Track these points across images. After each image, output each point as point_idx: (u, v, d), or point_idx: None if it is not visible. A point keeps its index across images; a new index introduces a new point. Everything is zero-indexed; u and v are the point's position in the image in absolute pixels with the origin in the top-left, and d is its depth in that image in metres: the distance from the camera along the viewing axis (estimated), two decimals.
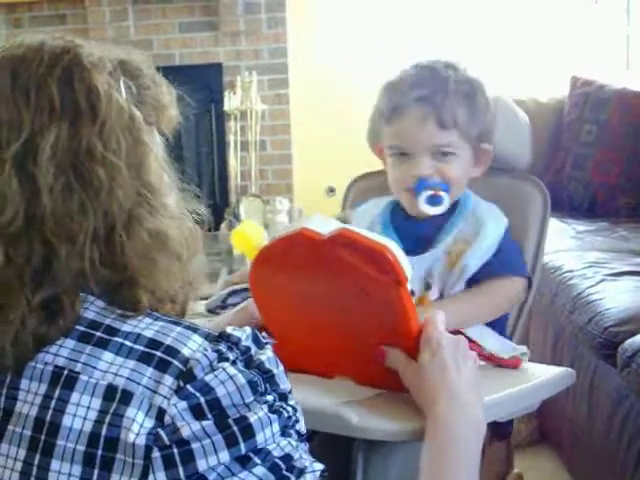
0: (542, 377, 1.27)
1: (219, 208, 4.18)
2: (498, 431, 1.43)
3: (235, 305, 1.40)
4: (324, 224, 1.10)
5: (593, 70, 3.58)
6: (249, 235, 1.26)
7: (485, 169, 1.51)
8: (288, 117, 4.18)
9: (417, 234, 1.46)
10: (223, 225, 4.02)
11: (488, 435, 1.39)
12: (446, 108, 1.41)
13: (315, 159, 4.19)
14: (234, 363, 0.82)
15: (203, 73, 4.07)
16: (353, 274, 1.09)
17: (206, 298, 1.44)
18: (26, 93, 0.84)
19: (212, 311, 1.45)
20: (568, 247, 2.75)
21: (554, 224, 2.98)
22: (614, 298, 2.19)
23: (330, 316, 1.18)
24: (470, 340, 1.30)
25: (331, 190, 4.13)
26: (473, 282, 1.41)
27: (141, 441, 0.78)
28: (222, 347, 0.83)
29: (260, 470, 0.81)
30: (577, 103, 3.35)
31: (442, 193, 1.43)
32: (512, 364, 1.30)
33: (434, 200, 1.44)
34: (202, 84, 4.08)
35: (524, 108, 1.70)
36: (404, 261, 1.08)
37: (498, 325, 1.44)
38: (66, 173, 0.82)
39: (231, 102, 4.09)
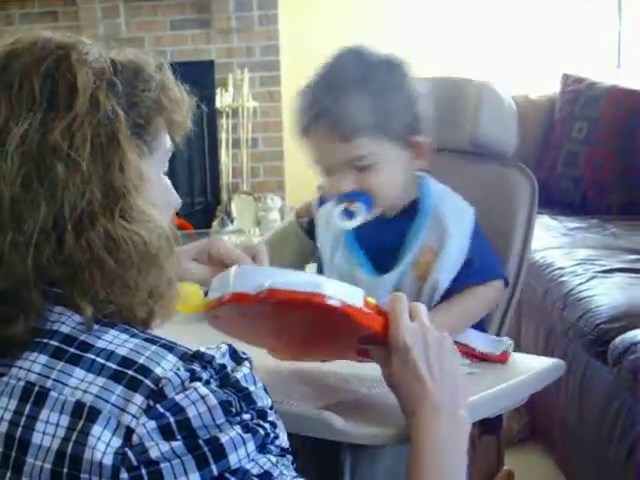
0: (532, 371, 1.26)
1: (211, 206, 4.17)
2: (487, 426, 1.42)
3: None
4: (251, 276, 1.04)
5: (584, 68, 3.59)
6: (189, 301, 1.10)
7: (428, 159, 1.39)
8: (280, 114, 4.17)
9: (381, 246, 1.40)
10: (215, 223, 4.02)
11: (477, 430, 1.40)
12: (346, 117, 1.31)
13: None
14: (207, 383, 0.80)
15: (195, 70, 4.05)
16: (301, 316, 1.06)
17: None
18: (10, 84, 0.84)
19: None
20: (559, 244, 2.76)
21: (545, 221, 2.99)
22: (605, 295, 2.20)
23: (301, 335, 1.16)
24: (459, 343, 1.29)
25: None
26: (448, 295, 1.36)
27: (108, 460, 0.76)
28: (196, 366, 0.81)
29: None
30: (568, 101, 3.36)
31: (356, 205, 1.35)
32: (504, 359, 1.28)
33: (347, 213, 1.36)
34: (194, 81, 4.04)
35: (515, 105, 1.70)
36: (343, 289, 1.02)
37: (478, 323, 1.43)
38: (29, 163, 0.82)
39: (223, 99, 4.09)
